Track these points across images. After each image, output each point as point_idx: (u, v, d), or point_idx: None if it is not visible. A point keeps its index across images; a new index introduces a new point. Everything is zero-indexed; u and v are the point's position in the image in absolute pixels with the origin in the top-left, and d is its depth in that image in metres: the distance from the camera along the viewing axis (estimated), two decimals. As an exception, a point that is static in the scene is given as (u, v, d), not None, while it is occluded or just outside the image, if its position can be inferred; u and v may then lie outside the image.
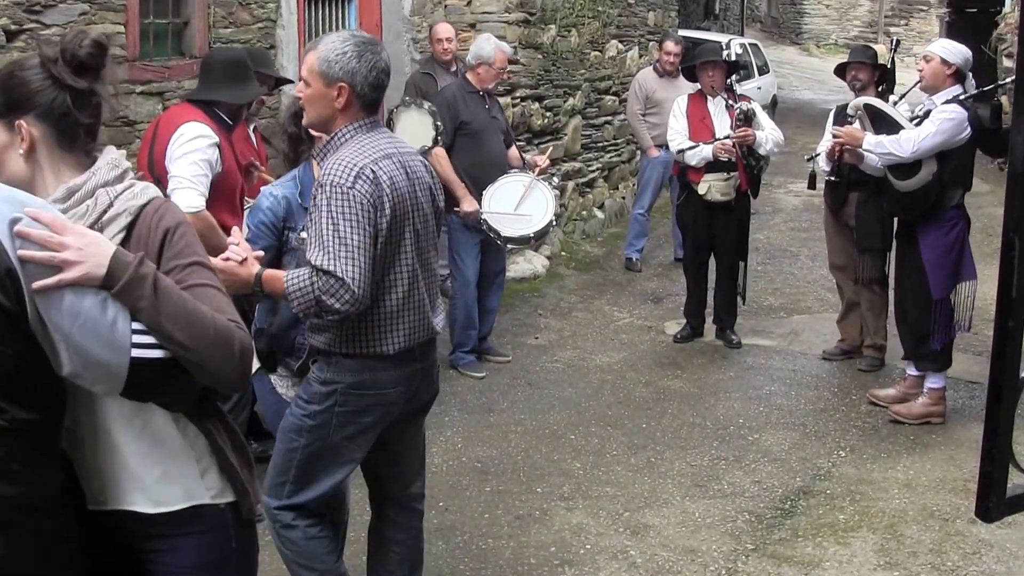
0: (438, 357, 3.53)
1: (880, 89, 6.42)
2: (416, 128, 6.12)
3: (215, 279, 2.17)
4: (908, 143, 5.55)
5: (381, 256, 3.08)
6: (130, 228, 2.13)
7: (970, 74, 5.76)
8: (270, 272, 3.12)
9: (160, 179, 4.27)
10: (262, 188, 3.70)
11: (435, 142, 6.17)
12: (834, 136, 6.24)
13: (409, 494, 3.54)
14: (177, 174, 4.19)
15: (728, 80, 7.13)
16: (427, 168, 3.35)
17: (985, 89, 5.91)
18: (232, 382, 2.12)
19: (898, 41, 6.72)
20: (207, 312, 2.04)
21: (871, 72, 6.49)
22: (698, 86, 7.23)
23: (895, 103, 6.09)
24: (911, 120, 5.74)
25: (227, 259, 3.09)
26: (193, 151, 4.21)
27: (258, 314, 3.63)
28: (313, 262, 2.99)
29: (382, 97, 3.24)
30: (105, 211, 2.11)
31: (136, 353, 1.97)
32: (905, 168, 5.66)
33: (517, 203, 6.29)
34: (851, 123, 6.15)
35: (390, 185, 3.08)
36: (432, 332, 3.31)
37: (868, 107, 5.93)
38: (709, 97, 7.08)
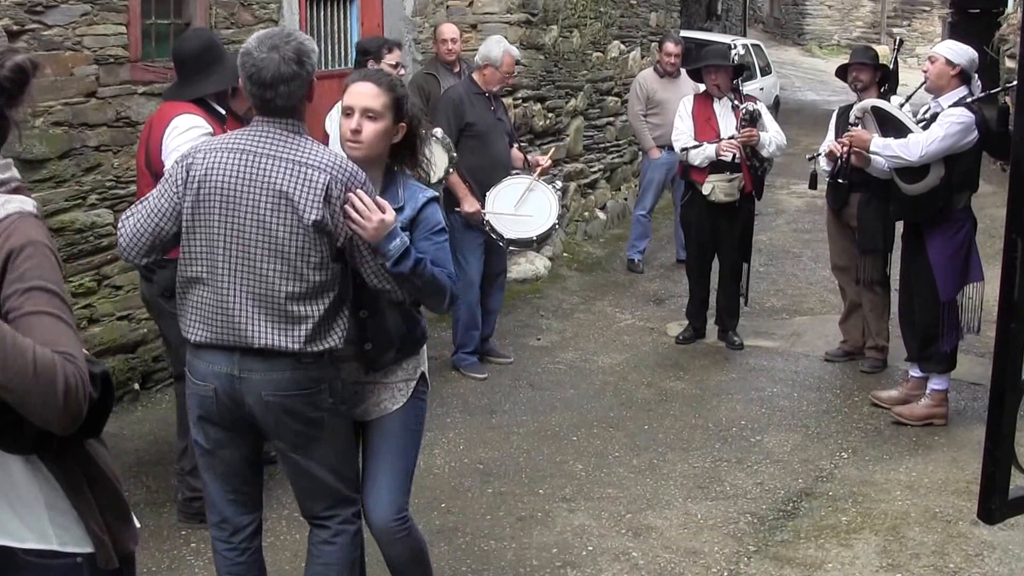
0: (302, 383, 3.14)
1: (883, 90, 6.41)
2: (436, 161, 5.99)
3: (56, 305, 1.97)
4: (916, 147, 5.53)
5: (186, 238, 3.11)
6: None
7: (976, 75, 5.75)
8: None
9: (158, 175, 4.26)
10: None
11: (447, 173, 6.04)
12: (841, 142, 6.21)
13: (311, 517, 3.36)
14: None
15: (735, 81, 7.11)
16: (303, 182, 3.02)
17: (992, 92, 5.89)
18: (55, 422, 1.89)
19: (901, 41, 6.70)
20: (28, 347, 1.85)
21: (872, 73, 6.47)
22: (704, 86, 7.22)
23: (901, 105, 6.07)
24: (917, 122, 5.73)
25: None
26: (187, 142, 4.19)
27: None
28: None
29: (272, 96, 3.06)
30: None
31: None
32: (913, 172, 5.65)
33: (521, 205, 6.28)
34: (855, 125, 6.14)
35: (203, 174, 3.06)
36: (243, 342, 3.07)
37: (875, 109, 5.92)
38: (715, 97, 7.07)
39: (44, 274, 1.97)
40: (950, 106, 5.58)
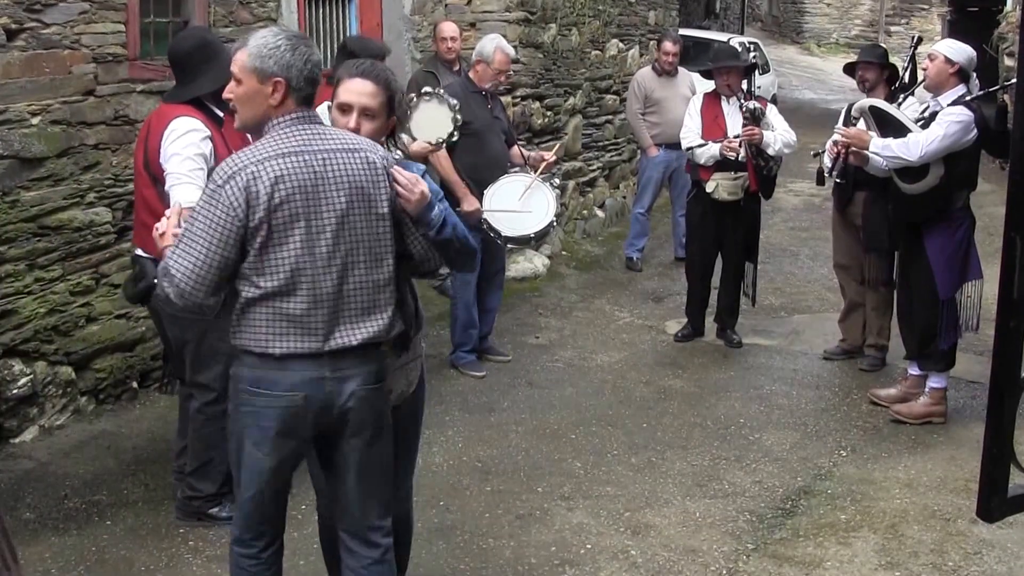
0: (381, 373, 3.21)
1: (892, 88, 6.37)
2: (435, 118, 5.86)
3: None
4: (916, 147, 5.52)
5: (261, 254, 2.98)
6: None
7: (974, 74, 5.74)
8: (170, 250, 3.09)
9: (156, 176, 4.25)
10: None
11: (452, 136, 5.90)
12: (838, 140, 6.19)
13: (366, 526, 3.29)
14: (173, 171, 4.17)
15: (746, 81, 7.07)
16: (366, 167, 3.09)
17: (990, 90, 5.89)
18: None
19: (920, 39, 6.55)
20: None
21: (879, 72, 6.45)
22: (697, 85, 7.22)
23: (900, 103, 6.03)
24: (916, 121, 5.72)
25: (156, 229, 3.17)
26: (186, 146, 4.18)
27: None
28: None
29: (316, 92, 3.15)
30: None
31: None
32: (913, 172, 5.63)
33: (518, 203, 6.28)
34: (854, 124, 6.13)
35: (271, 185, 2.95)
36: (346, 342, 3.08)
37: (873, 109, 5.91)
38: (724, 97, 7.07)
39: None
40: (949, 105, 5.58)
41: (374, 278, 3.11)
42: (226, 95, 3.15)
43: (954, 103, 5.56)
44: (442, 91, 6.02)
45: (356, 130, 3.22)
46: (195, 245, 2.95)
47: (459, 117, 5.94)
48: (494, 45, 6.44)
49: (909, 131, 5.62)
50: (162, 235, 3.14)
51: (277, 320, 3.04)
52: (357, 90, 3.23)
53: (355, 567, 3.31)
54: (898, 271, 6.25)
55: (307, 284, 3.02)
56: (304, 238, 3.00)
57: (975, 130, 5.50)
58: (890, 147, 5.64)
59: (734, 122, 6.92)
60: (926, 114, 5.76)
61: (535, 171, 6.44)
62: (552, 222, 6.35)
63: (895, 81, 6.42)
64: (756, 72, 7.48)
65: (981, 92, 5.67)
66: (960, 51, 5.66)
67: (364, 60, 3.62)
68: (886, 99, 6.16)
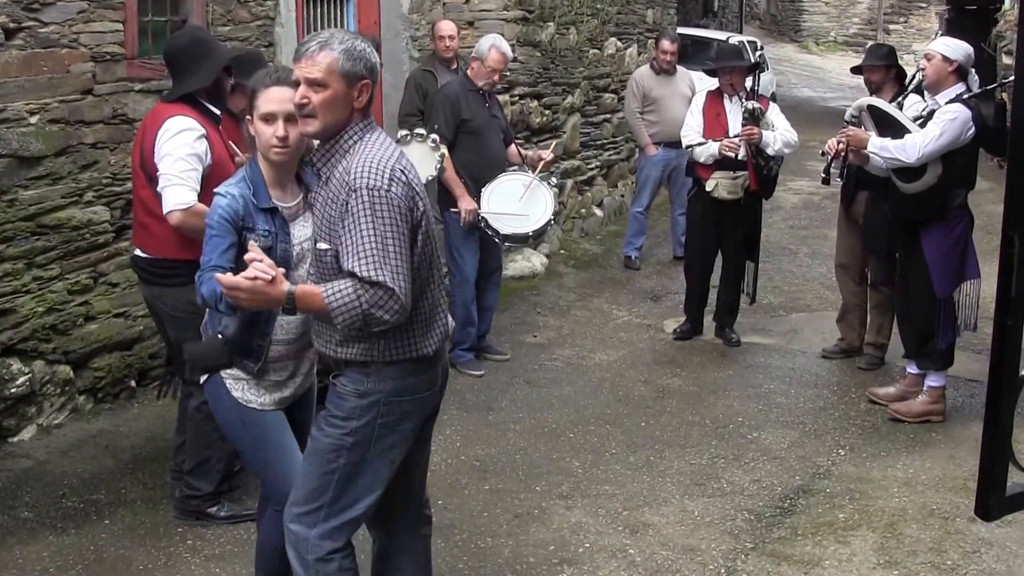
0: None
1: (903, 84, 6.35)
2: (417, 159, 5.84)
3: None
4: (913, 148, 5.51)
5: (420, 257, 3.03)
6: None
7: (973, 70, 5.74)
8: (304, 288, 2.97)
9: (152, 176, 4.25)
10: (214, 189, 3.42)
11: (440, 169, 6.15)
12: (839, 140, 6.19)
13: (421, 503, 3.51)
14: (165, 171, 4.16)
15: (750, 80, 7.06)
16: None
17: (988, 88, 5.88)
18: None
19: (941, 34, 6.55)
20: None
21: (885, 72, 6.45)
22: (716, 83, 7.21)
23: (901, 101, 6.02)
24: (915, 119, 5.71)
25: (254, 278, 2.89)
26: (179, 146, 4.17)
27: (209, 318, 3.47)
28: (357, 273, 2.88)
29: None
30: None
31: None
32: (911, 171, 5.62)
33: (516, 202, 6.28)
34: (852, 124, 6.12)
35: (417, 179, 3.07)
36: (449, 331, 3.27)
37: (872, 108, 5.90)
38: (727, 95, 7.07)
39: None
40: (946, 103, 5.58)
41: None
42: (300, 101, 2.99)
43: (951, 101, 5.56)
44: (418, 130, 6.17)
45: (286, 137, 3.23)
46: (397, 256, 2.90)
47: (443, 151, 6.13)
48: (490, 44, 6.46)
49: (907, 130, 5.61)
50: (273, 281, 2.91)
51: (421, 321, 3.09)
52: (278, 98, 3.22)
53: (417, 549, 3.55)
54: (897, 270, 6.24)
55: (436, 280, 3.13)
56: (429, 234, 3.10)
57: (973, 127, 5.49)
58: (888, 148, 5.64)
59: (736, 121, 6.92)
60: (925, 112, 5.75)
61: (533, 170, 6.46)
62: (550, 221, 6.37)
63: (903, 79, 6.41)
64: (760, 71, 7.48)
65: (979, 90, 5.67)
66: (956, 48, 5.65)
67: (279, 67, 3.62)
68: (894, 98, 6.15)
